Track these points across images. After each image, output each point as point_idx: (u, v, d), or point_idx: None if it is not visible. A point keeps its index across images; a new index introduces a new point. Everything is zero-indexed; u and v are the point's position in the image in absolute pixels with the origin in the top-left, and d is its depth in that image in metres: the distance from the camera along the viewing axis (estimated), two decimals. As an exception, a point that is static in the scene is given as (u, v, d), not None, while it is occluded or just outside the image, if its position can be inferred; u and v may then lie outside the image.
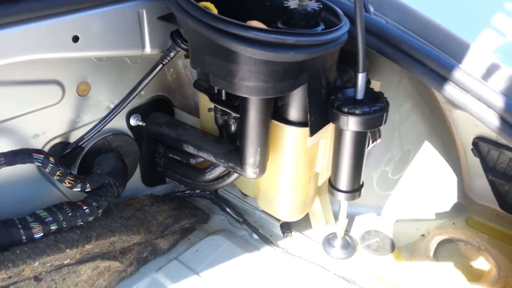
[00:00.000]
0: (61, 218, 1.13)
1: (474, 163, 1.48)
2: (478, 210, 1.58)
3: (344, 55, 1.10)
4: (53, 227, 1.12)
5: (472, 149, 1.44)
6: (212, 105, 1.22)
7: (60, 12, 0.91)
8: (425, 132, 1.47)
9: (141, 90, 1.19)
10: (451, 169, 1.51)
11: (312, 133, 1.07)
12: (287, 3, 0.99)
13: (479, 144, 1.41)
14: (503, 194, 1.49)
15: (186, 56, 1.25)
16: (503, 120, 0.97)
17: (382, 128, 1.27)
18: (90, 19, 0.96)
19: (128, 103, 1.20)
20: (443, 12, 1.12)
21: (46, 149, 1.20)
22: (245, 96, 0.99)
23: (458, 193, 1.57)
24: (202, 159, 1.30)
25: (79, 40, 0.96)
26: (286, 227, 1.49)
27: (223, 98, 1.19)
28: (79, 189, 1.18)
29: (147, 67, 1.17)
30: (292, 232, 1.49)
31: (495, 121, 0.98)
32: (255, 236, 1.48)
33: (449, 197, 1.56)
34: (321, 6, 1.00)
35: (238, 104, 1.13)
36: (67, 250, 1.11)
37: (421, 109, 1.43)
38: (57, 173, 1.12)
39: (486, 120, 1.00)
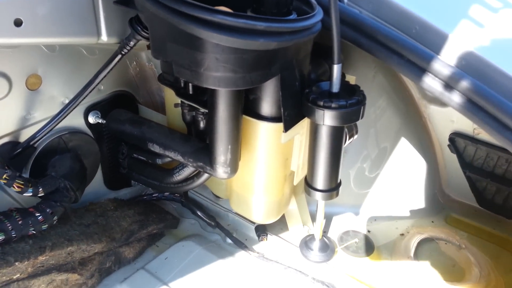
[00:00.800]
0: (10, 227, 1.01)
1: (451, 159, 1.47)
2: (456, 207, 1.56)
3: (317, 48, 1.04)
4: (0, 238, 1.00)
5: (448, 145, 1.43)
6: (178, 100, 1.14)
7: (-1, -8, 0.80)
8: (401, 128, 1.44)
9: (98, 84, 1.09)
10: (428, 166, 1.49)
11: (286, 128, 1.01)
12: None
13: (456, 140, 1.40)
14: (480, 190, 1.48)
15: (149, 47, 1.16)
16: (485, 112, 0.93)
17: (357, 124, 1.23)
18: (36, 0, 0.85)
19: (84, 98, 1.09)
20: (419, 2, 1.08)
21: (-8, 149, 1.08)
22: (212, 87, 0.91)
23: (435, 190, 1.56)
24: (169, 159, 1.22)
25: (23, 24, 0.85)
26: (261, 230, 1.42)
27: (190, 92, 1.11)
28: (31, 194, 1.07)
29: (106, 59, 1.07)
30: (268, 235, 1.42)
31: (477, 113, 0.94)
32: (229, 240, 1.41)
33: (427, 195, 1.53)
34: (293, -7, 0.94)
35: (207, 99, 1.05)
36: (17, 263, 1.00)
37: (396, 105, 1.40)
38: (4, 176, 1.00)
39: (467, 112, 0.96)
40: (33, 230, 1.06)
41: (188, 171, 1.22)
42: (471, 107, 0.94)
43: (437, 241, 1.42)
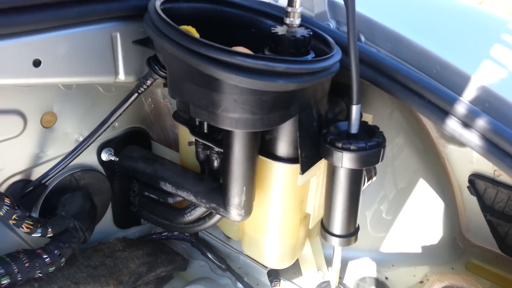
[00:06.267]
0: (16, 270, 0.98)
1: (470, 201, 1.42)
2: (477, 252, 1.50)
3: (334, 86, 1.03)
4: (5, 281, 0.97)
5: (468, 187, 1.38)
6: (193, 138, 1.12)
7: (19, 33, 0.80)
8: (419, 168, 1.40)
9: (113, 122, 1.08)
10: (447, 208, 1.44)
11: (303, 170, 0.98)
12: (274, 30, 0.93)
13: (476, 181, 1.35)
14: (502, 235, 1.41)
15: (165, 85, 1.16)
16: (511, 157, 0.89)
17: (375, 164, 1.20)
18: (55, 41, 0.85)
19: (99, 136, 1.08)
20: (439, 42, 1.07)
21: (4, 187, 1.06)
22: (229, 129, 0.89)
23: (455, 234, 1.50)
24: (181, 199, 1.19)
25: (41, 64, 0.85)
26: (274, 274, 1.36)
27: (205, 131, 1.09)
28: (39, 235, 1.04)
29: (122, 96, 1.07)
30: (281, 281, 1.36)
31: (502, 158, 0.90)
32: (240, 285, 1.35)
33: (446, 239, 1.47)
34: (311, 33, 0.93)
35: (222, 138, 1.03)
36: (20, 310, 0.96)
37: (414, 144, 1.37)
38: (13, 216, 0.98)
39: (492, 157, 0.92)
40: (40, 273, 1.02)
41: (199, 211, 1.19)
42: (497, 151, 0.90)
43: (458, 290, 1.36)
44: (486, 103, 0.94)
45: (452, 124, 0.94)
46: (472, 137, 0.92)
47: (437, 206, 1.43)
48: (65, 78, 0.91)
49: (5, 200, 0.97)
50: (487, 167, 1.30)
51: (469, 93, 0.96)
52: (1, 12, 0.74)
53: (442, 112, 0.95)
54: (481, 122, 0.91)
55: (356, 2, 0.87)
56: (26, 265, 1.00)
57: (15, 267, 0.98)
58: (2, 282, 0.96)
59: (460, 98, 0.95)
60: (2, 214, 0.97)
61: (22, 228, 1.01)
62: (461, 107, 0.93)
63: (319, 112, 1.00)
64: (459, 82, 0.97)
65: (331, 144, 0.94)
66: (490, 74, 0.99)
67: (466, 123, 0.93)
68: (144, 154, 1.24)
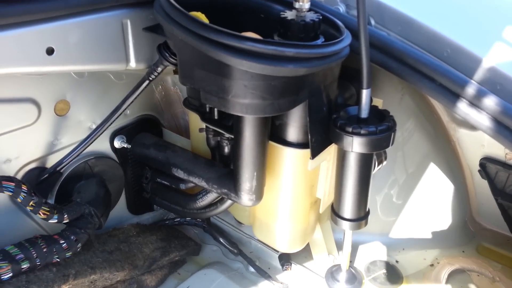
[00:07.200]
0: (35, 255, 1.01)
1: (481, 185, 1.41)
2: (487, 236, 1.50)
3: (344, 71, 1.03)
4: (25, 266, 0.99)
5: (479, 171, 1.37)
6: (203, 125, 1.13)
7: (32, 21, 0.81)
8: (430, 153, 1.39)
9: (126, 109, 1.09)
10: (457, 192, 1.44)
11: (314, 155, 0.98)
12: (283, 14, 0.92)
13: (487, 165, 1.34)
14: (514, 218, 1.41)
15: (175, 72, 1.16)
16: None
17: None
18: (67, 29, 0.86)
19: (112, 123, 1.10)
20: (450, 25, 1.06)
21: (20, 175, 1.09)
22: (240, 114, 0.90)
23: (466, 218, 1.50)
24: (192, 184, 1.20)
25: (54, 52, 0.86)
26: (285, 258, 1.37)
27: (216, 117, 1.10)
28: (56, 221, 1.07)
29: (133, 84, 1.08)
30: (292, 265, 1.37)
31: (514, 141, 0.90)
32: (251, 269, 1.37)
33: (457, 222, 1.47)
34: (321, 17, 0.93)
35: (232, 124, 1.04)
36: (40, 292, 0.99)
37: (424, 128, 1.36)
38: (31, 203, 1.01)
39: (504, 140, 0.91)
40: (57, 257, 1.05)
41: (211, 197, 1.20)
42: (509, 134, 0.90)
43: (469, 272, 1.35)
44: (497, 85, 0.93)
45: (463, 107, 0.94)
46: (484, 120, 0.92)
47: (448, 190, 1.43)
48: (77, 66, 0.92)
49: (22, 187, 1.00)
50: (499, 150, 1.29)
51: (480, 76, 0.95)
52: (14, 1, 0.75)
53: (453, 95, 0.95)
54: (493, 104, 0.90)
55: (365, -15, 0.86)
56: (44, 250, 1.03)
57: (33, 252, 1.01)
58: (23, 267, 0.99)
59: (471, 80, 0.94)
60: (19, 200, 1.00)
61: (39, 214, 1.03)
62: (472, 90, 0.92)
63: (329, 97, 1.00)
64: (470, 65, 0.97)
65: (341, 129, 0.94)
66: (501, 56, 0.98)
67: (477, 106, 0.92)
68: (155, 141, 1.25)
